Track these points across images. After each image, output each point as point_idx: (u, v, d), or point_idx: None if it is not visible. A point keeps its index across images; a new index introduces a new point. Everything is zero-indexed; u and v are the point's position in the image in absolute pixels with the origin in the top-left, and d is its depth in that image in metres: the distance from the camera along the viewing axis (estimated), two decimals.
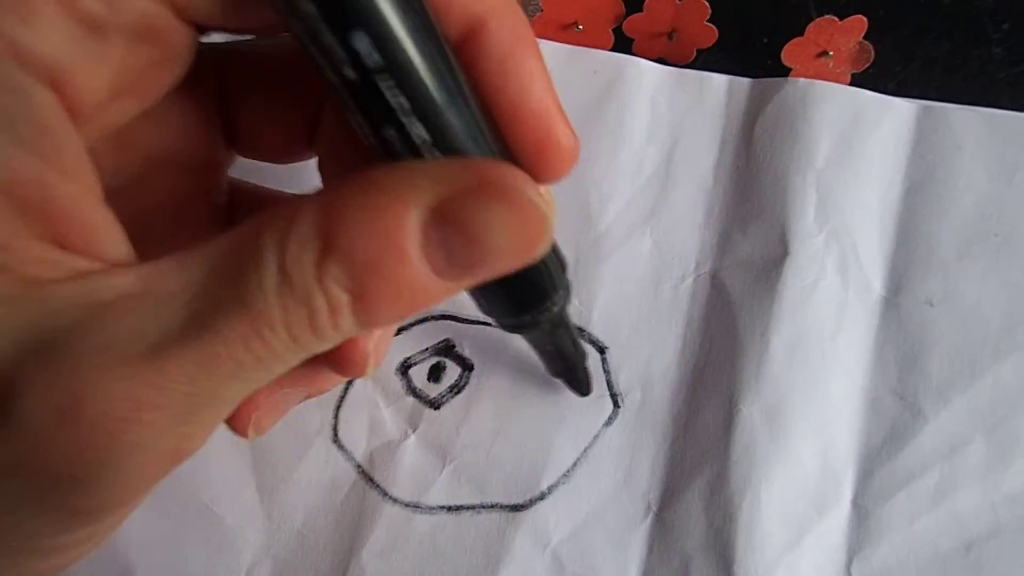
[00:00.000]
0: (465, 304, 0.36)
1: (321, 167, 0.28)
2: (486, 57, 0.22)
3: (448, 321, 0.36)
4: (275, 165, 0.29)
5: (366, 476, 0.35)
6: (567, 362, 0.33)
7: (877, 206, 0.36)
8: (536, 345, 0.32)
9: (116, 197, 0.24)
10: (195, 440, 0.21)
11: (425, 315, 0.36)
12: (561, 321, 0.29)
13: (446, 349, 0.36)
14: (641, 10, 0.39)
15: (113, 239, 0.21)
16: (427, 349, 0.36)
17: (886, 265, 0.36)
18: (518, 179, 0.20)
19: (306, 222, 0.19)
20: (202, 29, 0.22)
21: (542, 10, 0.40)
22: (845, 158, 0.36)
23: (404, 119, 0.19)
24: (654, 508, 0.34)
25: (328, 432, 0.35)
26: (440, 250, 0.19)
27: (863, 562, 0.33)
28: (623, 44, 0.40)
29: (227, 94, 0.27)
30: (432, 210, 0.19)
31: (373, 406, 0.36)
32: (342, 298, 0.19)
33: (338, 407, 0.36)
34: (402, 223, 0.19)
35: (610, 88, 0.39)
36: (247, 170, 0.30)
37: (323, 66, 0.19)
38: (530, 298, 0.27)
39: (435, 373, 0.36)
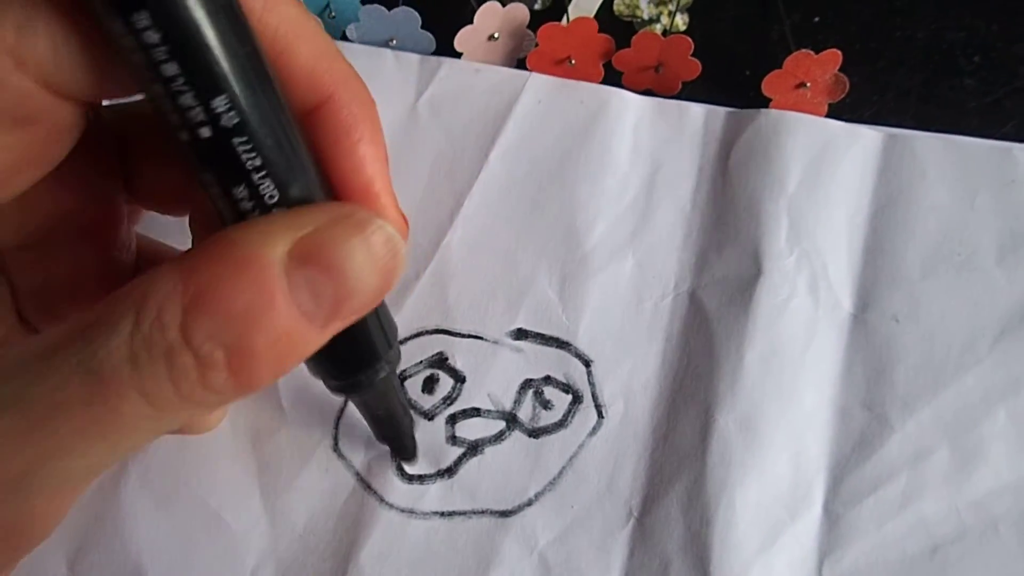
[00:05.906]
0: (457, 318, 0.37)
1: (191, 223, 0.28)
2: (324, 132, 0.23)
3: (441, 335, 0.37)
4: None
5: (364, 483, 0.35)
6: (395, 427, 0.33)
7: (845, 228, 0.37)
8: (366, 409, 0.32)
9: (23, 254, 0.25)
10: (40, 524, 0.20)
11: (419, 329, 0.37)
12: (391, 384, 0.29)
13: (439, 362, 0.37)
14: (629, 45, 0.41)
15: None
16: (421, 362, 0.37)
17: (854, 284, 0.37)
18: (367, 212, 0.21)
19: (166, 287, 0.18)
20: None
21: (538, 45, 0.41)
22: (815, 184, 0.38)
23: (255, 176, 0.20)
24: (635, 513, 0.34)
25: (329, 442, 0.36)
26: (305, 290, 0.19)
27: (834, 564, 0.33)
28: (613, 77, 0.42)
29: (126, 149, 0.27)
30: (290, 254, 0.19)
31: None
32: (216, 355, 0.19)
33: (338, 418, 0.36)
34: (267, 271, 0.19)
35: (596, 117, 0.40)
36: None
37: (176, 126, 0.19)
38: (361, 358, 0.26)
39: (428, 385, 0.36)
